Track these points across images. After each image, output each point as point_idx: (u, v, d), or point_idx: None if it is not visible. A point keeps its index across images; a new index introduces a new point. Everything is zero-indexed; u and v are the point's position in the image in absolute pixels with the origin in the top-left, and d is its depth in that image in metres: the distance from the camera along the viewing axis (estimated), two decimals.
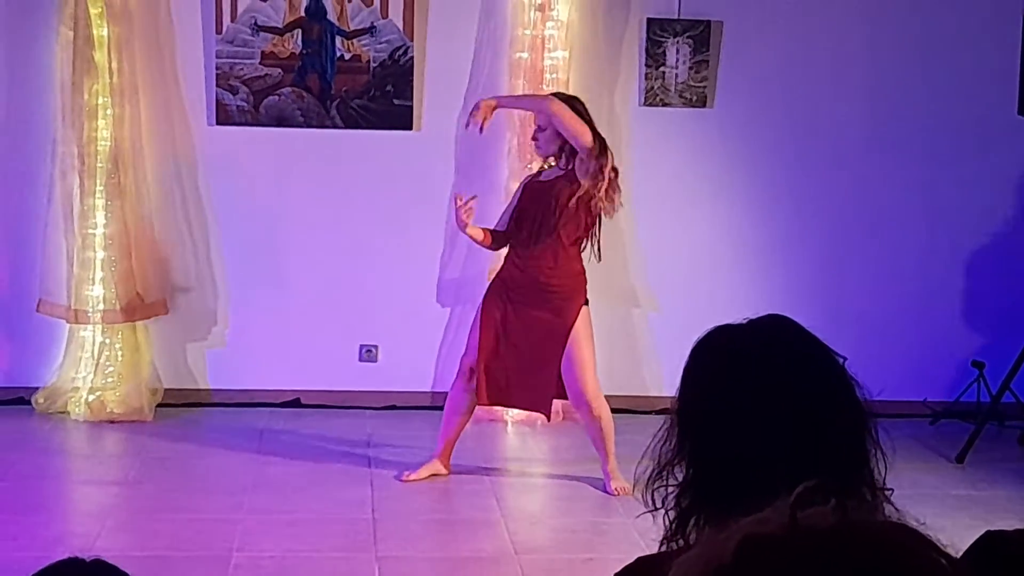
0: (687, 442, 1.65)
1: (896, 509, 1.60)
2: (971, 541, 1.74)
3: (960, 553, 1.64)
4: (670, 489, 1.66)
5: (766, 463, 1.54)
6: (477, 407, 5.83)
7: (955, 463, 6.20)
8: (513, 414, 6.49)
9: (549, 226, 5.49)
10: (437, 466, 5.79)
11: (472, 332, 5.68)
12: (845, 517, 0.91)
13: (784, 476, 1.47)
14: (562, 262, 5.55)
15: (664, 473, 1.67)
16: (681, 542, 1.64)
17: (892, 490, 1.65)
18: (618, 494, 5.56)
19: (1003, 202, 6.92)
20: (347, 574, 4.77)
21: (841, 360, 1.67)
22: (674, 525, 1.64)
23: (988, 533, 1.77)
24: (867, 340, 6.81)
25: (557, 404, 6.04)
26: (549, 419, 5.90)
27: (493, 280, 5.74)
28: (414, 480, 5.72)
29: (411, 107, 6.69)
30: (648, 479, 1.68)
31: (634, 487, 5.46)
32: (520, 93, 6.29)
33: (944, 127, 6.86)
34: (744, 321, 1.71)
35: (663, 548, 1.67)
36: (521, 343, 5.59)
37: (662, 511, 1.67)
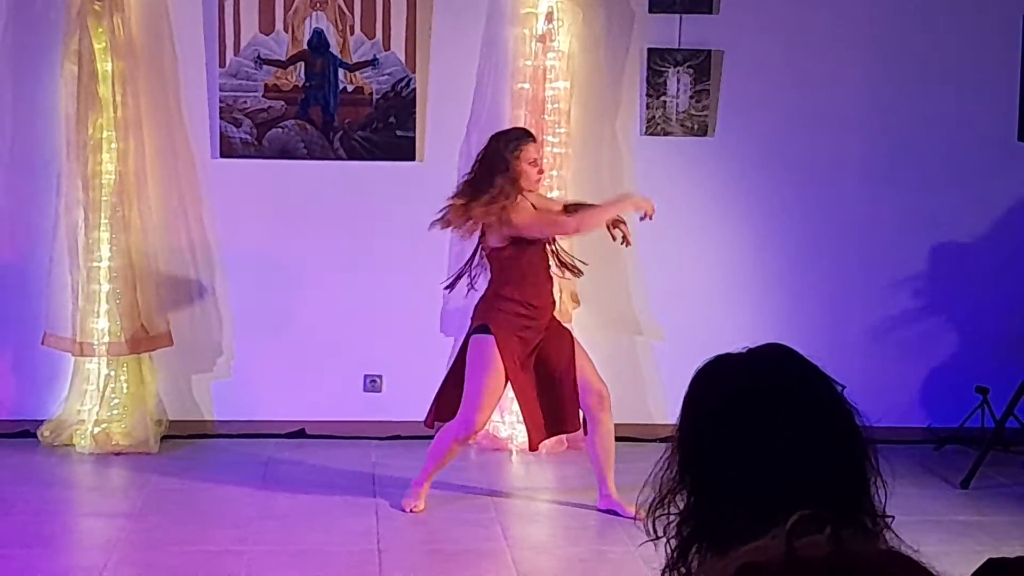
0: (687, 471, 1.66)
1: (897, 536, 1.60)
2: (977, 567, 1.74)
3: None
4: (672, 517, 1.67)
5: (766, 492, 1.55)
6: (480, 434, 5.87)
7: (960, 489, 6.20)
8: (519, 441, 6.49)
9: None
10: (426, 490, 5.78)
11: (477, 380, 5.51)
12: (840, 546, 0.93)
13: (784, 504, 1.48)
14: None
15: (665, 501, 1.68)
16: (683, 570, 1.65)
17: (893, 517, 1.65)
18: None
19: (1005, 229, 6.93)
20: None
21: (840, 388, 1.68)
22: (676, 554, 1.65)
23: (990, 561, 1.77)
24: (871, 366, 6.82)
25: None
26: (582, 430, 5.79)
27: (498, 319, 5.52)
28: (420, 510, 5.72)
29: (414, 138, 6.72)
30: (650, 507, 1.70)
31: (635, 515, 5.46)
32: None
33: (945, 153, 6.88)
34: (743, 350, 1.72)
35: None
36: (539, 372, 5.60)
37: (664, 539, 1.68)
